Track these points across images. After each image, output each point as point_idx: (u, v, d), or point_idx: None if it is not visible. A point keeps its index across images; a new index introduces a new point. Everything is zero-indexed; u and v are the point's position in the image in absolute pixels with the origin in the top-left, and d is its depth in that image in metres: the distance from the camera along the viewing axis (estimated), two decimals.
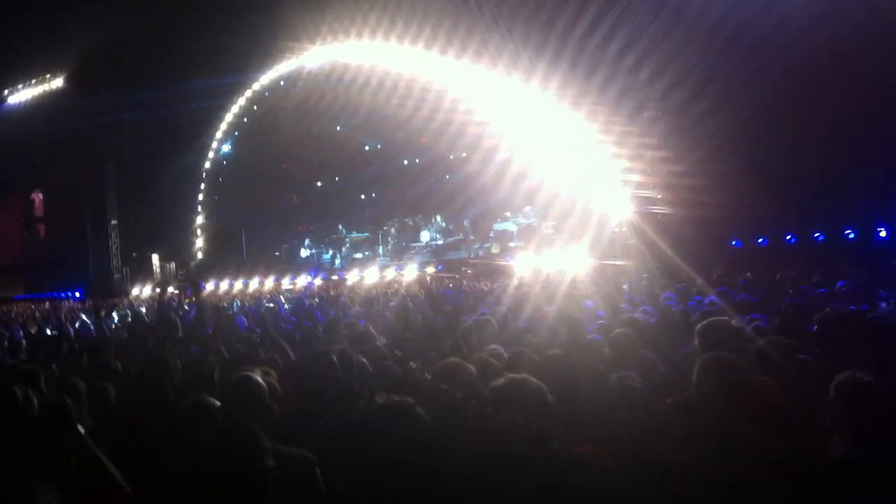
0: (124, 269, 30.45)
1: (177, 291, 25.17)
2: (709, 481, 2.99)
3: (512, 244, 23.63)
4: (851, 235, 16.88)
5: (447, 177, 26.48)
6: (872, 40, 13.89)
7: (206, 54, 23.64)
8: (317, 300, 16.17)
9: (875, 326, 5.37)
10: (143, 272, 30.14)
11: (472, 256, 24.51)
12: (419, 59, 22.72)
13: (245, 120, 30.69)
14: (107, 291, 27.20)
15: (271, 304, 15.45)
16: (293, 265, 28.70)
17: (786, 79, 14.64)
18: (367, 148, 29.33)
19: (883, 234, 16.45)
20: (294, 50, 26.23)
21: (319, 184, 30.80)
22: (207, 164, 31.50)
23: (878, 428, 3.00)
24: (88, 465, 3.48)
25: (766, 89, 14.76)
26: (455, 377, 3.90)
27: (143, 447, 3.89)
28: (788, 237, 17.83)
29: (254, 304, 16.55)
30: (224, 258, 29.79)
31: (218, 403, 3.81)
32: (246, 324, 10.97)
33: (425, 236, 26.85)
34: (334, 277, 25.14)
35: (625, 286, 11.31)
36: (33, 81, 29.89)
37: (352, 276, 24.38)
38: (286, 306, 14.38)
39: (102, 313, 15.51)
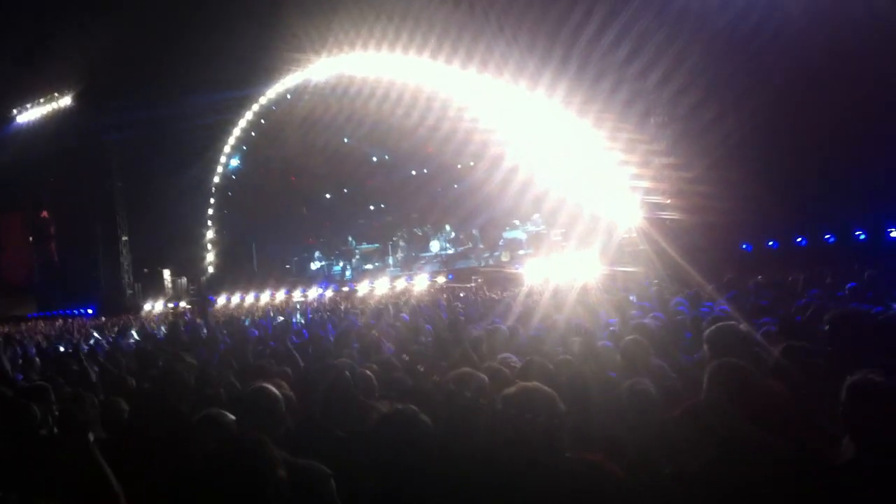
0: (136, 285, 30.53)
1: (189, 306, 25.25)
2: (719, 487, 2.98)
3: (521, 252, 23.62)
4: (862, 236, 16.81)
5: (455, 186, 26.54)
6: (874, 42, 13.88)
7: (213, 69, 23.75)
8: (328, 313, 16.19)
9: (886, 327, 5.35)
10: (155, 287, 30.21)
11: (481, 265, 24.49)
12: (425, 69, 22.77)
13: (252, 134, 30.75)
14: (119, 308, 27.31)
15: (282, 318, 15.48)
16: (304, 277, 28.74)
17: (792, 82, 14.63)
18: (374, 159, 29.38)
19: (894, 233, 16.39)
20: (300, 63, 26.31)
21: (328, 196, 30.85)
22: (216, 179, 31.57)
23: (890, 430, 2.98)
24: (91, 474, 3.49)
25: (772, 93, 14.75)
26: (466, 386, 3.90)
27: (155, 460, 3.91)
28: (799, 239, 17.78)
29: (264, 317, 16.59)
30: (235, 272, 29.87)
31: (231, 416, 3.82)
32: (258, 337, 11.01)
33: (435, 246, 26.86)
34: (345, 289, 25.16)
35: (632, 297, 11.25)
36: (42, 100, 30.08)
37: (362, 288, 24.40)
38: (299, 319, 14.42)
39: (116, 330, 15.58)
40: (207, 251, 31.78)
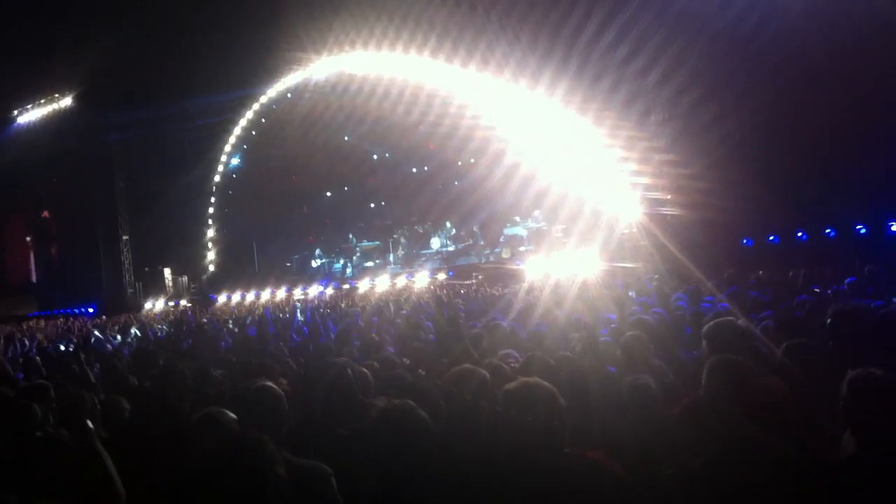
0: (137, 284, 30.56)
1: (190, 305, 25.26)
2: (719, 485, 2.98)
3: (522, 248, 23.63)
4: (863, 231, 16.81)
5: (455, 183, 26.56)
6: (874, 41, 13.89)
7: (214, 69, 23.78)
8: (328, 310, 16.18)
9: (887, 323, 5.35)
10: (156, 286, 30.26)
11: (482, 262, 24.53)
12: (426, 67, 22.78)
13: (253, 133, 30.80)
14: (120, 307, 27.31)
15: (282, 315, 15.47)
16: (304, 276, 28.77)
17: (792, 81, 14.62)
18: (374, 157, 29.42)
19: (895, 227, 16.38)
20: (300, 62, 26.32)
21: (328, 194, 30.89)
22: (217, 178, 31.62)
23: (890, 425, 2.97)
24: (93, 472, 3.50)
25: (772, 92, 14.74)
26: (467, 383, 3.91)
27: (156, 459, 3.91)
28: (799, 234, 17.77)
29: (263, 316, 16.58)
30: (236, 270, 29.90)
31: (231, 415, 3.82)
32: (259, 335, 11.01)
33: (435, 243, 26.88)
34: (346, 287, 25.18)
35: (631, 293, 11.26)
36: (42, 101, 30.10)
37: (363, 285, 24.42)
38: (300, 318, 14.40)
39: (117, 329, 15.58)
40: (208, 250, 31.82)
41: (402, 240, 28.09)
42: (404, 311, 12.73)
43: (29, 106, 30.53)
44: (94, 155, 29.08)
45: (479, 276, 21.79)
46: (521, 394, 3.17)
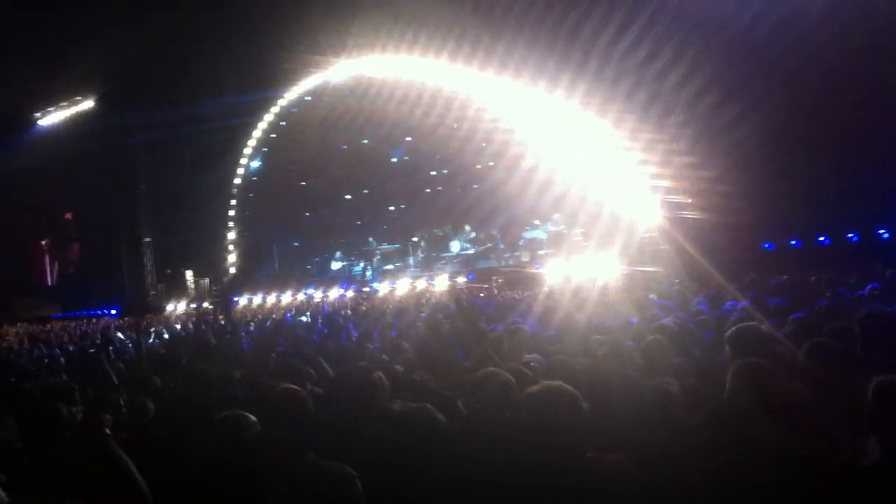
0: (159, 286, 30.78)
1: (211, 307, 25.41)
2: (739, 487, 2.97)
3: (542, 252, 23.58)
4: (886, 235, 16.66)
5: (475, 186, 26.53)
6: (892, 43, 13.79)
7: (234, 71, 23.90)
8: (349, 312, 16.25)
9: None
10: (178, 288, 30.47)
11: (502, 265, 24.48)
12: (444, 70, 22.80)
13: (273, 135, 30.92)
14: (142, 308, 27.50)
15: (303, 318, 15.56)
16: (325, 278, 28.84)
17: (812, 82, 14.53)
18: (394, 159, 29.45)
19: None
20: (320, 65, 26.39)
21: (348, 197, 30.97)
22: (237, 180, 31.76)
23: None
24: (113, 472, 3.54)
25: (792, 93, 14.66)
26: (490, 386, 3.92)
27: (179, 460, 3.95)
28: (822, 238, 17.64)
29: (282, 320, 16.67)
30: (256, 273, 30.06)
31: (252, 418, 3.85)
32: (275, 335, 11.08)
33: (455, 246, 26.86)
34: (366, 289, 25.23)
35: (652, 296, 11.21)
36: (65, 104, 30.35)
37: (383, 288, 24.46)
38: (319, 320, 14.47)
39: (139, 330, 15.71)
40: (229, 252, 31.97)
41: (422, 243, 28.09)
42: (423, 314, 12.75)
43: (51, 108, 30.79)
44: (115, 157, 29.28)
45: (499, 280, 21.77)
46: (544, 397, 3.19)
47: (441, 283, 22.92)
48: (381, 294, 23.53)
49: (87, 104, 29.73)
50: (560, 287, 16.04)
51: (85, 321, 24.16)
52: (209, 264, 31.29)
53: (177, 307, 28.71)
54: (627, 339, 6.56)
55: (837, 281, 10.72)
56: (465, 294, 17.37)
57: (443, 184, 28.49)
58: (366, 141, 28.24)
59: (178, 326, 17.37)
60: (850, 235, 17.18)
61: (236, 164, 31.49)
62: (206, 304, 27.39)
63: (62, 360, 10.79)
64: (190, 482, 3.53)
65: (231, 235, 31.97)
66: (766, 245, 18.13)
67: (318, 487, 3.13)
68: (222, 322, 17.44)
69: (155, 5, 20.86)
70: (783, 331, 5.72)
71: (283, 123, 30.35)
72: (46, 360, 10.81)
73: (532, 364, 5.28)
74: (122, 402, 5.08)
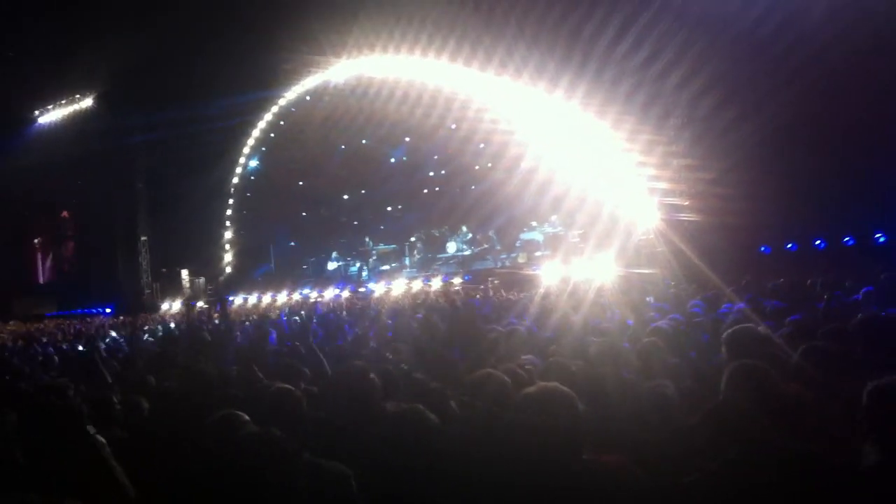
0: (154, 285, 30.76)
1: (206, 306, 25.39)
2: (736, 488, 2.96)
3: (538, 253, 23.57)
4: (882, 239, 16.67)
5: (473, 187, 26.54)
6: (895, 43, 13.80)
7: (234, 71, 23.89)
8: (344, 313, 16.23)
9: None
10: (173, 287, 30.46)
11: (498, 266, 24.48)
12: (444, 71, 22.80)
13: (272, 135, 30.92)
14: (137, 307, 27.51)
15: (298, 318, 15.52)
16: (321, 278, 28.84)
17: (812, 84, 14.53)
18: (392, 160, 29.44)
19: None
20: (319, 64, 26.40)
21: (346, 197, 30.97)
22: (235, 180, 31.78)
23: None
24: (100, 472, 3.52)
25: (791, 95, 14.65)
26: (486, 387, 3.91)
27: (174, 459, 3.93)
28: (818, 242, 17.65)
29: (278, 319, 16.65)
30: (252, 272, 30.05)
31: (247, 417, 3.84)
32: (277, 337, 11.06)
33: (451, 247, 26.85)
34: (361, 290, 25.23)
35: (649, 299, 11.21)
36: (64, 102, 30.35)
37: (379, 288, 24.45)
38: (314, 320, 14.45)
39: (134, 328, 15.69)
40: (226, 251, 31.96)
41: (419, 243, 28.08)
42: (419, 315, 12.73)
43: (50, 106, 30.81)
44: (113, 156, 29.32)
45: (496, 281, 21.76)
46: (540, 398, 3.17)
47: (437, 284, 22.92)
48: (376, 294, 23.52)
49: (87, 103, 29.76)
50: (556, 288, 16.05)
51: (79, 320, 24.10)
52: (205, 263, 31.30)
53: (172, 306, 28.68)
54: (624, 340, 6.56)
55: (833, 284, 10.72)
56: (461, 295, 17.38)
57: (441, 185, 28.49)
58: (365, 141, 28.22)
59: (172, 325, 17.32)
60: (846, 239, 17.19)
61: (235, 164, 31.52)
62: (200, 304, 27.37)
63: (56, 358, 10.77)
64: (186, 481, 3.52)
65: (228, 235, 31.97)
66: (763, 248, 18.13)
67: (315, 486, 3.12)
68: (216, 321, 17.41)
69: (154, 5, 20.86)
70: (780, 333, 5.72)
71: (283, 123, 30.36)
72: (41, 359, 10.78)
73: (528, 366, 5.27)
74: (115, 401, 5.07)
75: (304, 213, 31.33)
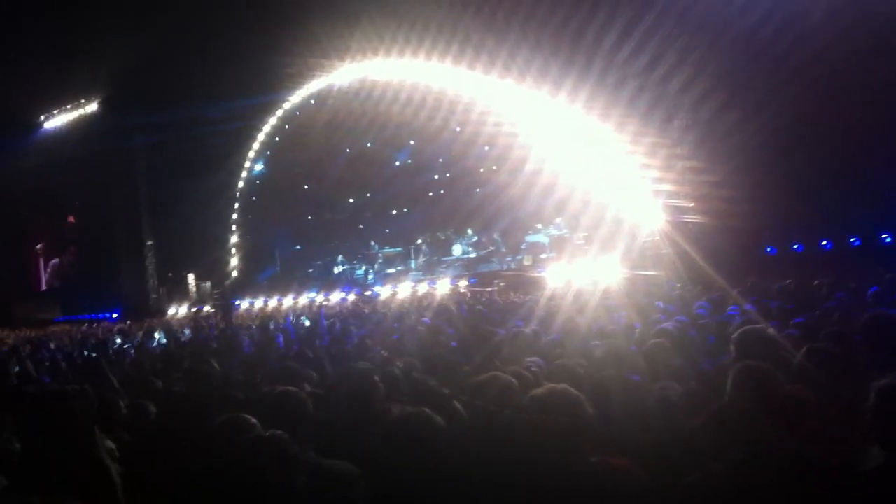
0: (160, 290, 30.77)
1: (212, 310, 25.40)
2: (740, 490, 2.96)
3: (544, 256, 23.57)
4: (888, 240, 16.64)
5: (477, 190, 26.52)
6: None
7: (238, 74, 23.92)
8: (350, 316, 16.23)
9: None
10: (180, 292, 30.46)
11: (504, 269, 24.48)
12: (447, 74, 22.82)
13: (276, 139, 30.97)
14: (144, 312, 27.50)
15: (306, 322, 15.54)
16: (327, 281, 28.84)
17: (814, 85, 14.50)
18: (396, 163, 29.46)
19: None
20: (324, 68, 26.43)
21: (351, 200, 30.98)
22: (240, 184, 31.81)
23: None
24: (94, 468, 3.53)
25: (794, 97, 14.63)
26: (492, 389, 3.91)
27: (181, 462, 3.94)
28: (824, 243, 17.62)
29: (285, 322, 16.65)
30: (258, 276, 30.08)
31: (253, 420, 3.85)
32: (283, 340, 11.07)
33: (457, 250, 26.85)
34: (367, 293, 25.23)
35: (658, 304, 11.19)
36: (69, 106, 30.41)
37: (385, 292, 24.45)
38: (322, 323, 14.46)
39: (141, 333, 15.71)
40: (231, 255, 31.98)
41: (424, 246, 28.08)
42: (425, 319, 12.72)
43: (55, 111, 30.87)
44: (118, 160, 29.34)
45: (501, 283, 21.76)
46: (548, 400, 3.17)
47: (443, 287, 22.90)
48: (382, 298, 23.51)
49: (92, 107, 29.80)
50: (562, 291, 16.03)
51: (86, 324, 24.14)
52: (210, 267, 31.29)
53: (178, 310, 28.69)
54: (629, 343, 6.55)
55: (839, 285, 10.71)
56: (467, 299, 17.37)
57: (445, 187, 28.49)
58: (369, 144, 28.25)
59: (187, 331, 17.33)
60: (852, 240, 17.16)
61: (240, 168, 31.55)
62: (206, 309, 27.39)
63: (63, 363, 10.79)
64: (193, 485, 3.52)
65: (233, 239, 31.99)
66: (769, 249, 18.10)
67: (323, 487, 3.12)
68: (223, 326, 17.43)
69: (159, 9, 20.90)
70: (787, 333, 5.71)
71: (287, 126, 30.40)
72: (47, 363, 10.81)
73: (533, 368, 5.27)
74: (122, 405, 5.08)
75: (309, 217, 31.35)
